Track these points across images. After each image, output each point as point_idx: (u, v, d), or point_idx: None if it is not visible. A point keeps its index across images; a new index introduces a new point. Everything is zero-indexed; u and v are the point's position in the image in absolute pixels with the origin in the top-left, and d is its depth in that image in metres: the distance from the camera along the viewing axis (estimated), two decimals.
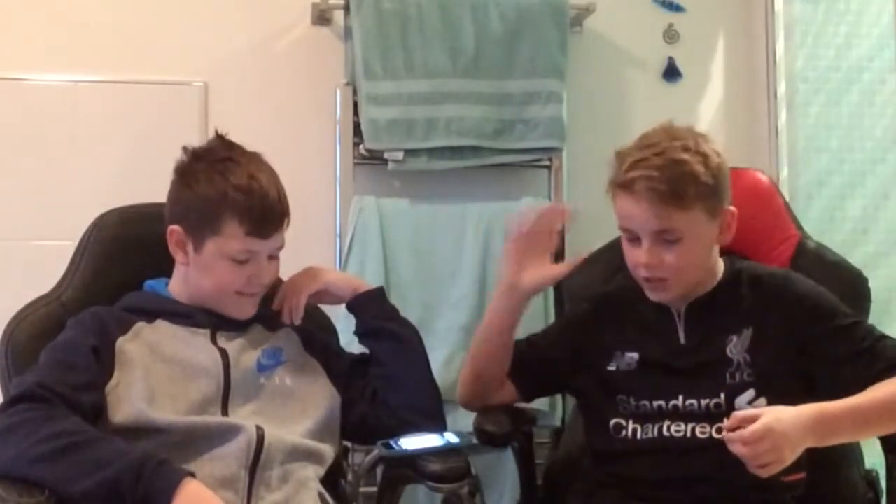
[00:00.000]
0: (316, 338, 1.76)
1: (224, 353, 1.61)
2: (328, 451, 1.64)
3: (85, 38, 2.60)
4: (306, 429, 1.62)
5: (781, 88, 2.83)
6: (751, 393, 1.65)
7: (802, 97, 2.87)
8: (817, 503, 1.72)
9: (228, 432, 1.52)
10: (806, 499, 1.69)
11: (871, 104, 2.89)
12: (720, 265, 1.74)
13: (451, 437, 1.61)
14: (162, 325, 1.62)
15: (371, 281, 2.45)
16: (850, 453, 1.91)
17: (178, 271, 1.68)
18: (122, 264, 1.74)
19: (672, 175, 1.60)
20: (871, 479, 1.87)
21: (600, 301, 1.87)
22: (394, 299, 2.22)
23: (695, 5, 2.88)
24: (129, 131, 2.61)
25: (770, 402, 1.64)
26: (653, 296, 1.70)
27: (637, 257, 1.66)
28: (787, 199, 2.14)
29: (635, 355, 1.73)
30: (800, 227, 2.03)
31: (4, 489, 1.39)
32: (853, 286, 1.91)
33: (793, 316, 1.67)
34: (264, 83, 2.69)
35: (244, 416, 1.57)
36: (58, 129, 2.57)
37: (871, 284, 1.95)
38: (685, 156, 1.62)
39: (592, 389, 1.78)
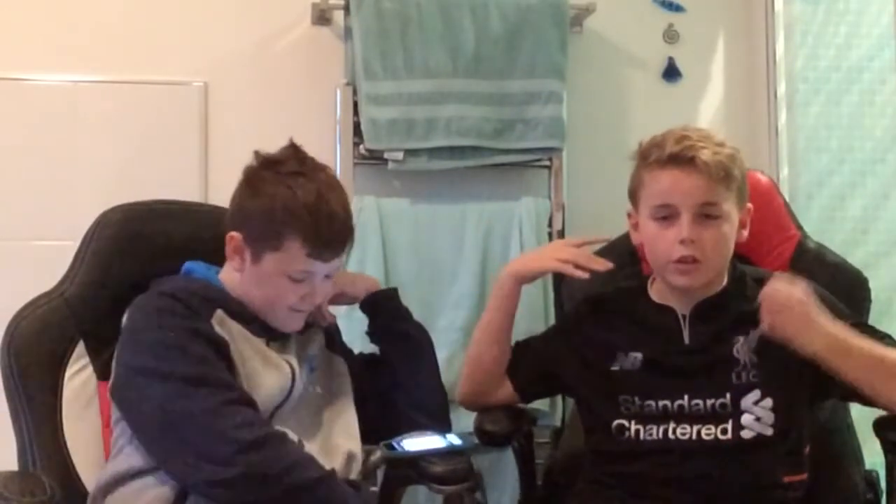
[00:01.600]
0: (336, 337, 1.76)
1: (292, 369, 1.60)
2: (356, 452, 1.64)
3: (85, 38, 2.60)
4: (339, 437, 1.63)
5: (781, 88, 2.83)
6: (757, 393, 1.66)
7: (802, 97, 2.87)
8: (817, 503, 1.73)
9: None
10: (806, 499, 1.69)
11: (871, 104, 2.89)
12: (725, 268, 1.75)
13: (453, 439, 1.61)
14: (229, 319, 1.56)
15: None
16: (850, 453, 1.92)
17: (227, 272, 1.64)
18: (126, 261, 1.72)
19: (720, 151, 1.66)
20: (871, 479, 1.88)
21: (600, 301, 1.87)
22: None
23: (695, 5, 2.87)
24: (129, 131, 2.60)
25: (776, 403, 1.65)
26: (680, 280, 1.69)
27: (674, 235, 1.66)
28: (787, 199, 2.14)
29: (639, 355, 1.73)
30: (800, 227, 2.04)
31: (7, 487, 1.40)
32: (853, 286, 1.92)
33: None
34: (264, 83, 2.69)
35: (288, 427, 1.57)
36: (58, 129, 2.57)
37: (871, 284, 1.95)
38: (722, 141, 1.70)
39: (593, 390, 1.78)
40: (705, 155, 1.64)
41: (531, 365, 1.86)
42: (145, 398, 1.47)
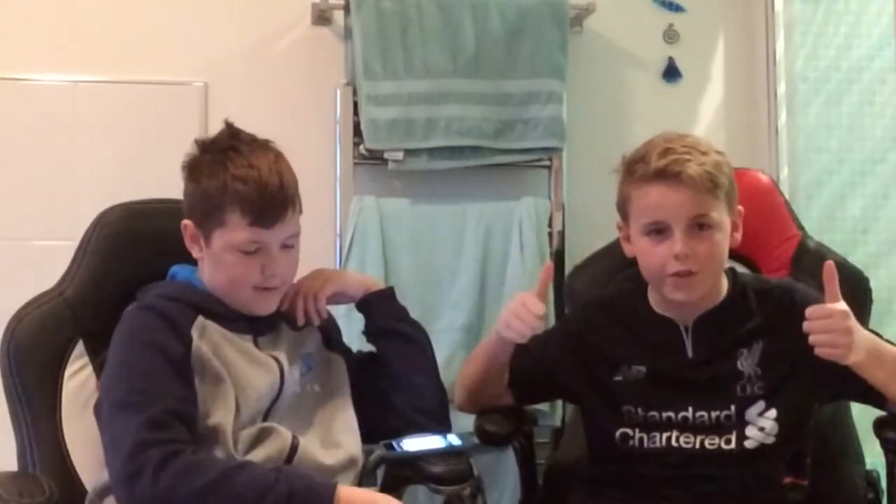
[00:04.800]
0: (334, 336, 1.76)
1: (280, 366, 1.60)
2: (356, 450, 1.64)
3: (85, 38, 2.60)
4: (339, 435, 1.63)
5: (781, 88, 2.83)
6: (761, 404, 1.66)
7: (802, 97, 2.87)
8: (818, 503, 1.73)
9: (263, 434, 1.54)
10: (807, 499, 1.69)
11: (871, 104, 2.90)
12: (724, 279, 1.73)
13: (453, 439, 1.61)
14: (210, 324, 1.57)
15: None
16: (851, 453, 1.92)
17: (199, 269, 1.65)
18: (125, 260, 1.72)
19: (705, 161, 1.63)
20: (871, 479, 1.88)
21: (600, 307, 1.84)
22: None
23: (695, 5, 2.87)
24: (129, 131, 2.60)
25: (780, 413, 1.65)
26: (677, 294, 1.66)
27: (667, 250, 1.63)
28: (787, 199, 2.14)
29: (643, 368, 1.72)
30: (801, 227, 2.04)
31: (4, 488, 1.40)
32: (854, 286, 1.91)
33: (800, 331, 1.60)
34: (264, 83, 2.68)
35: (284, 426, 1.58)
36: (58, 129, 2.57)
37: (871, 284, 1.95)
38: (706, 148, 1.66)
39: (596, 399, 1.76)
40: (691, 168, 1.61)
41: (531, 372, 1.83)
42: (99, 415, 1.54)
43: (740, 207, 1.71)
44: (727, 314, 1.71)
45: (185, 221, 1.61)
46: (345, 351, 1.77)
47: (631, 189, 1.68)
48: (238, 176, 1.55)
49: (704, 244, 1.63)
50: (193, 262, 1.65)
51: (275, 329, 1.66)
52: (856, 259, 2.01)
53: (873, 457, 1.86)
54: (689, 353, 1.71)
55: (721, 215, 1.65)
